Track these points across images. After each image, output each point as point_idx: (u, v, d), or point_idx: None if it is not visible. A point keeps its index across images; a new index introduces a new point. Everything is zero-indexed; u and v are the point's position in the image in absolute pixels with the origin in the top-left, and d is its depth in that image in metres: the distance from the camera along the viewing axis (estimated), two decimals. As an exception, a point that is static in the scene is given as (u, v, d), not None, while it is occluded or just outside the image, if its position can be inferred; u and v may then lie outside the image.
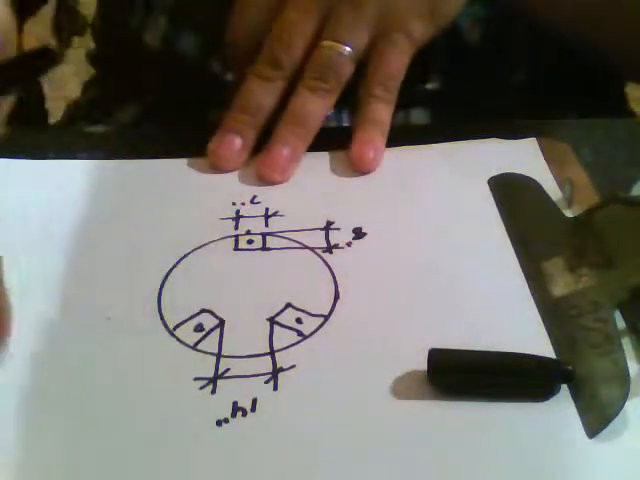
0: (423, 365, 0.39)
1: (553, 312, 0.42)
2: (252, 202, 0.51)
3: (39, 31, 0.76)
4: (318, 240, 0.48)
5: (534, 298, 0.43)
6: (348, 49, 0.54)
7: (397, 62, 0.55)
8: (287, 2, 0.54)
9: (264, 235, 0.48)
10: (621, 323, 0.41)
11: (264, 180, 0.53)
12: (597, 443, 0.36)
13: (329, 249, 0.47)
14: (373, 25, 0.54)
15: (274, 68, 0.54)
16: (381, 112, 0.55)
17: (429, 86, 0.65)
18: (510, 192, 0.50)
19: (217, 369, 0.40)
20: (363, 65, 0.55)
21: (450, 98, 0.65)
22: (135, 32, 0.67)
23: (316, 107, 0.54)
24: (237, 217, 0.50)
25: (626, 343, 0.40)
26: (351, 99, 0.56)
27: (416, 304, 0.43)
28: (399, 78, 0.55)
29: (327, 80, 0.54)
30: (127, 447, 0.37)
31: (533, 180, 0.51)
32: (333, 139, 0.55)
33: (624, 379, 0.38)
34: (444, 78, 0.65)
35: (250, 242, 0.48)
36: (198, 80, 0.67)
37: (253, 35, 0.55)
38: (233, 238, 0.48)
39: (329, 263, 0.46)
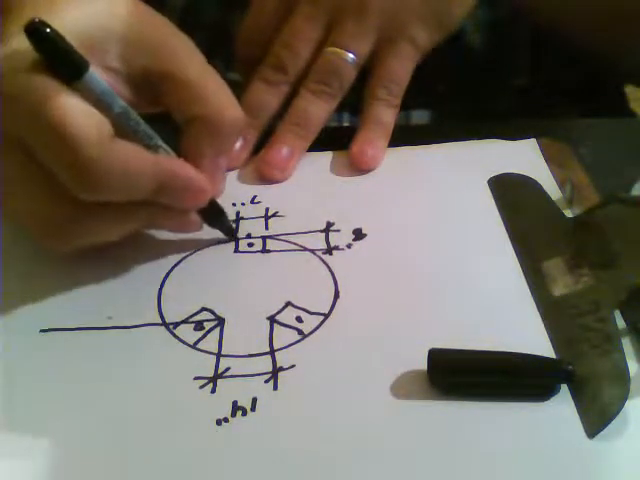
0: (423, 365, 0.39)
1: (553, 312, 0.42)
2: (252, 202, 0.51)
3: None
4: (318, 242, 0.48)
5: (534, 298, 0.43)
6: (351, 55, 0.54)
7: (401, 68, 0.55)
8: (295, 10, 0.55)
9: (264, 238, 0.48)
10: (621, 323, 0.41)
11: (264, 177, 0.53)
12: (597, 443, 0.36)
13: (329, 251, 0.47)
14: (377, 33, 0.55)
15: (279, 73, 0.55)
16: (383, 114, 0.55)
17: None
18: (510, 192, 0.50)
19: (217, 368, 0.40)
20: (367, 71, 0.55)
21: (452, 100, 0.65)
22: None
23: (318, 109, 0.54)
24: (237, 219, 0.50)
25: (626, 343, 0.40)
26: (353, 101, 0.56)
27: (416, 304, 0.43)
28: (403, 83, 0.55)
29: (330, 84, 0.54)
30: (127, 446, 0.37)
31: (533, 180, 0.51)
32: (334, 139, 0.55)
33: (624, 379, 0.38)
34: (446, 80, 0.65)
35: (250, 245, 0.48)
36: None
37: (262, 39, 0.56)
38: (233, 240, 0.48)
39: (329, 264, 0.46)
